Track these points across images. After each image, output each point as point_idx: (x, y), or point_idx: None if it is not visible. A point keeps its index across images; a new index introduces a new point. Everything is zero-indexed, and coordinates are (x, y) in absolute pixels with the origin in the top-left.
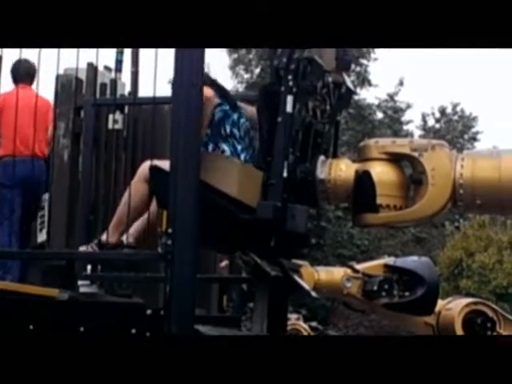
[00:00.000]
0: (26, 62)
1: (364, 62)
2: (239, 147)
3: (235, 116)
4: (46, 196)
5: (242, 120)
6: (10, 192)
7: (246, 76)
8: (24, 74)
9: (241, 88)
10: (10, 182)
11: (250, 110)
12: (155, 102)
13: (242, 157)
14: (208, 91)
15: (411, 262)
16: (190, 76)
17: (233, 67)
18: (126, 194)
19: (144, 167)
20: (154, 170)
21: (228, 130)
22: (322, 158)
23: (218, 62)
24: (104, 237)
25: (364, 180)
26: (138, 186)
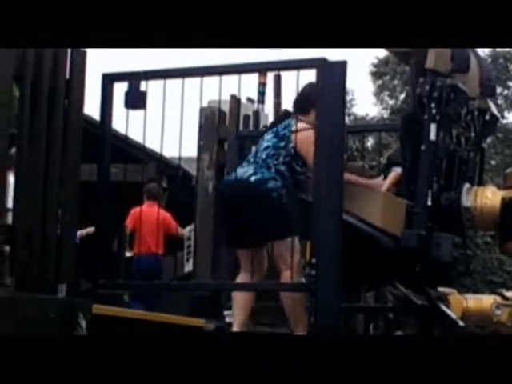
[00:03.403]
0: (155, 187)
1: None
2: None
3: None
4: (191, 227)
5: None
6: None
7: (391, 102)
8: (153, 196)
9: (385, 114)
10: (138, 271)
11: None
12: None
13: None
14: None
15: None
16: (331, 105)
17: (377, 93)
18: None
19: None
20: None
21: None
22: (467, 185)
23: (362, 89)
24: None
25: (511, 207)
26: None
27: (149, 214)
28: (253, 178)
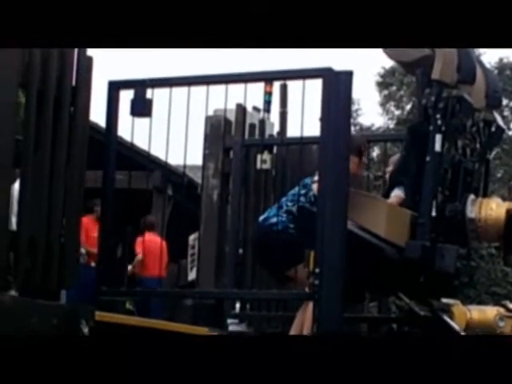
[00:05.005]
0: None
1: None
2: None
3: None
4: (195, 235)
5: None
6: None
7: (397, 112)
8: (150, 226)
9: (391, 124)
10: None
11: None
12: (303, 141)
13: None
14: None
15: None
16: (337, 115)
17: (383, 104)
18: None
19: None
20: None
21: None
22: (471, 196)
23: (368, 99)
24: None
25: None
26: None
27: (149, 243)
28: (260, 218)
